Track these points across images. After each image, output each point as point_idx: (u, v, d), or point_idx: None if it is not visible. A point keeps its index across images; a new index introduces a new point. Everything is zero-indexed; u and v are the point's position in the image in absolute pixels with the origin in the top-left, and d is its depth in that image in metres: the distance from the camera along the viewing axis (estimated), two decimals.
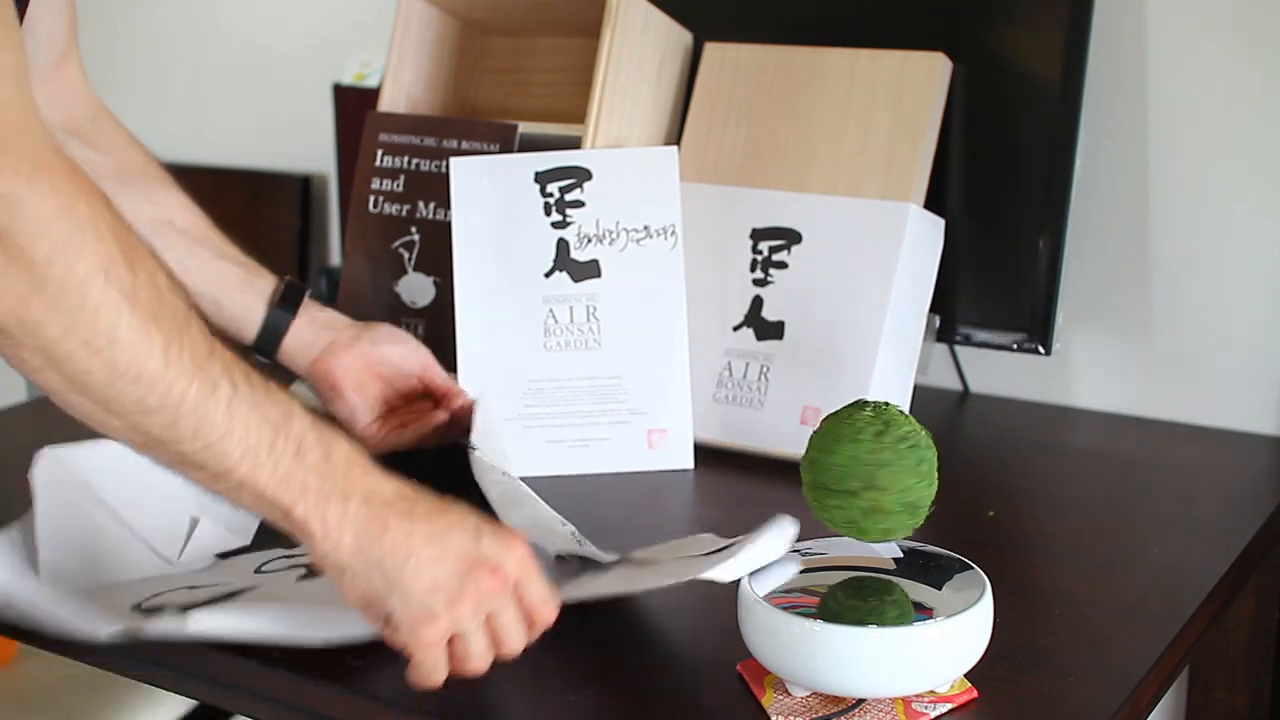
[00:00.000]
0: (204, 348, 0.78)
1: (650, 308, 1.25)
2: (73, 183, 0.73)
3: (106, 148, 1.18)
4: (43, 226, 0.71)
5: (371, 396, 1.20)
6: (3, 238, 0.70)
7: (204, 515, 1.05)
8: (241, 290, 1.19)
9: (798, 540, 0.90)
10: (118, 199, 0.78)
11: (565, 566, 0.96)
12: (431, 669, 0.82)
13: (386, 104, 1.42)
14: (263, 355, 1.20)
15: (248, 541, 1.06)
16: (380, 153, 1.39)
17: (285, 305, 1.19)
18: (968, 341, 1.36)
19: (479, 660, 0.82)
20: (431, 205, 1.36)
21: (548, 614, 0.84)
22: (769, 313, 1.28)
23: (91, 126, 1.18)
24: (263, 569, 1.01)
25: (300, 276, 1.88)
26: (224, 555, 1.05)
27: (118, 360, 0.74)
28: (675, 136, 1.40)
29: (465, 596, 0.80)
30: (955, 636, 0.81)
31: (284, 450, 0.79)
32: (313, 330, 1.20)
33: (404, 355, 1.21)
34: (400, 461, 0.91)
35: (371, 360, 1.20)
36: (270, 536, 1.01)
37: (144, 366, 0.75)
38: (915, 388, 1.26)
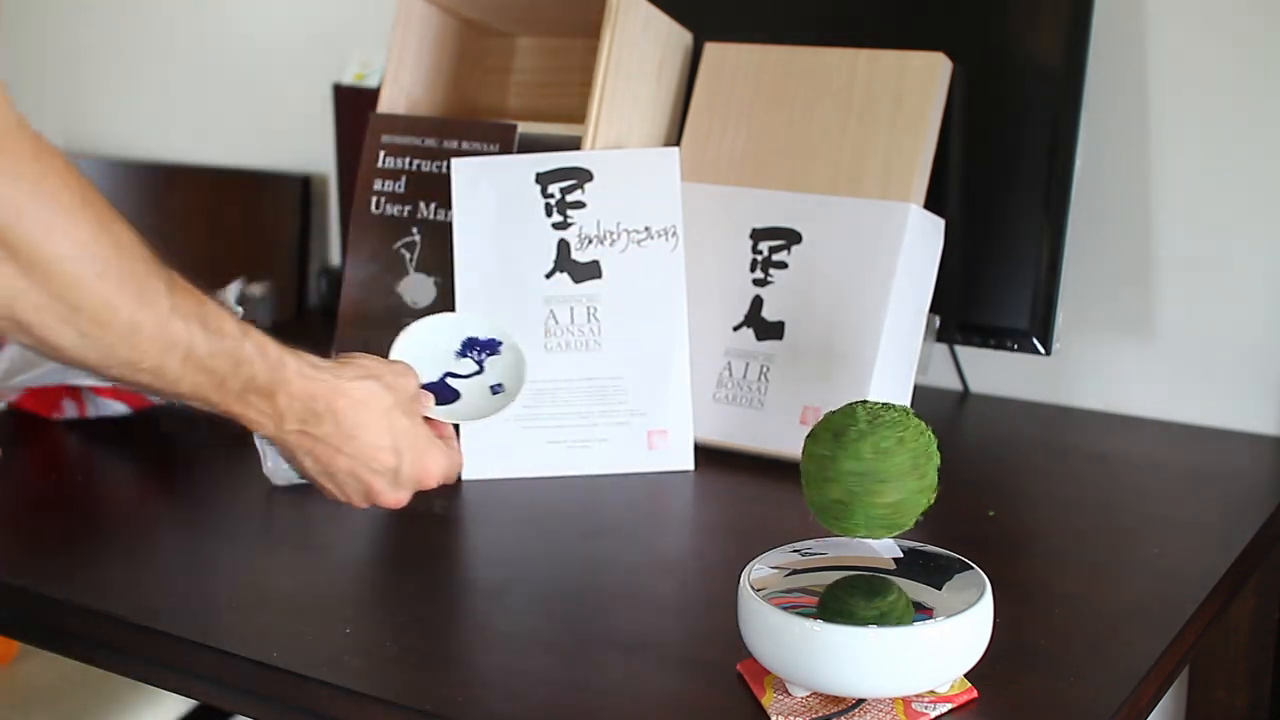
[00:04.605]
0: (165, 302, 0.84)
1: (650, 308, 1.25)
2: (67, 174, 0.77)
3: None
4: (48, 219, 0.75)
5: None
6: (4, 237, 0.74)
7: None
8: None
9: (798, 540, 0.90)
10: None
11: None
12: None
13: (386, 104, 1.42)
14: None
15: None
16: (382, 154, 1.39)
17: None
18: (968, 341, 1.36)
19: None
20: (433, 206, 1.36)
21: None
22: (769, 313, 1.28)
23: None
24: None
25: (300, 277, 1.88)
26: None
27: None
28: (675, 137, 1.40)
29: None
30: (955, 636, 0.81)
31: (228, 390, 0.90)
32: None
33: None
34: None
35: None
36: None
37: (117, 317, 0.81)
38: (915, 388, 1.26)
